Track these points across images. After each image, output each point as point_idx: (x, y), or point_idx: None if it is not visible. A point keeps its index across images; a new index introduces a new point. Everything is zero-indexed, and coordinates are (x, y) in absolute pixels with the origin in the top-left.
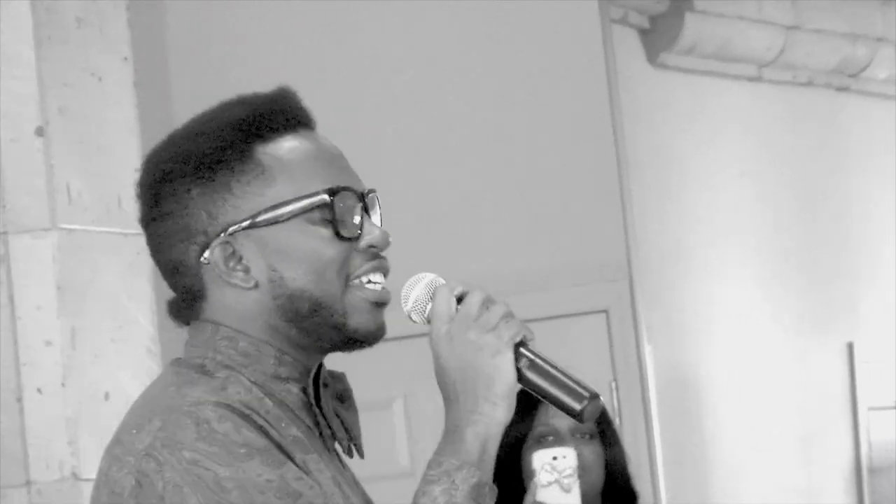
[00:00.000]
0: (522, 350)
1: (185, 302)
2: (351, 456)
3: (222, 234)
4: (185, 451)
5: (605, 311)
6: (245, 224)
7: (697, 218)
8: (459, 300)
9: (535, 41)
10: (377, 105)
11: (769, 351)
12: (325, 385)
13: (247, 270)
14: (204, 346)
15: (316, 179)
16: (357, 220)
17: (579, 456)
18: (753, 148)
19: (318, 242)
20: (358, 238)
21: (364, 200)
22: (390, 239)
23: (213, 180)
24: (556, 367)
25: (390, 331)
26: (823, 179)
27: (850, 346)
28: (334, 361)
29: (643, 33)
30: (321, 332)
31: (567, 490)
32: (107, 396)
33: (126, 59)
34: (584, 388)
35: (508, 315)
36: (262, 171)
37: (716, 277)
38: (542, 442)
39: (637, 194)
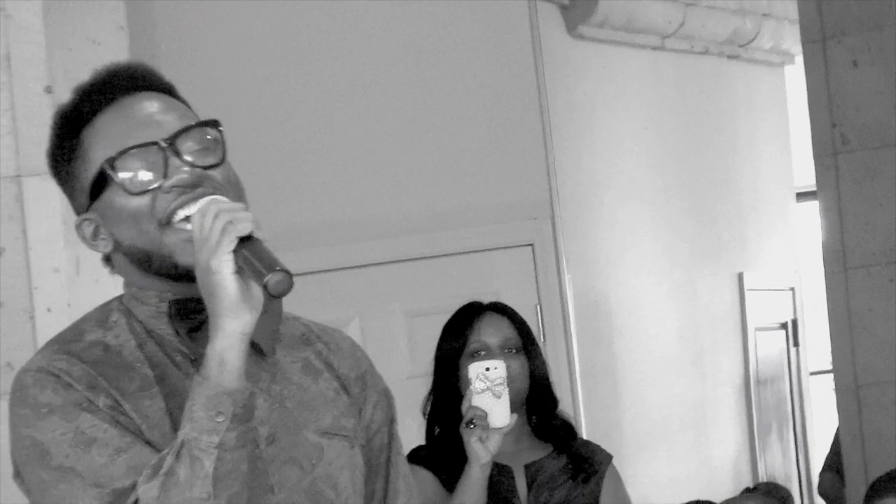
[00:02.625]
0: (240, 247)
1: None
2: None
3: (84, 216)
4: (11, 416)
5: (531, 245)
6: (86, 203)
7: (607, 165)
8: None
9: (474, 15)
10: (340, 69)
11: (669, 280)
12: (198, 311)
13: (104, 238)
14: (125, 290)
15: (109, 149)
16: (157, 167)
17: (507, 368)
18: (656, 106)
19: (124, 201)
20: (157, 187)
21: (172, 143)
22: (215, 161)
23: (64, 171)
24: (259, 254)
25: (345, 260)
26: (716, 133)
27: (740, 276)
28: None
29: (563, 8)
30: (166, 274)
31: (498, 396)
32: None
33: (121, 27)
34: (276, 264)
35: (228, 224)
36: (84, 153)
37: (624, 217)
38: (475, 356)
39: (557, 145)
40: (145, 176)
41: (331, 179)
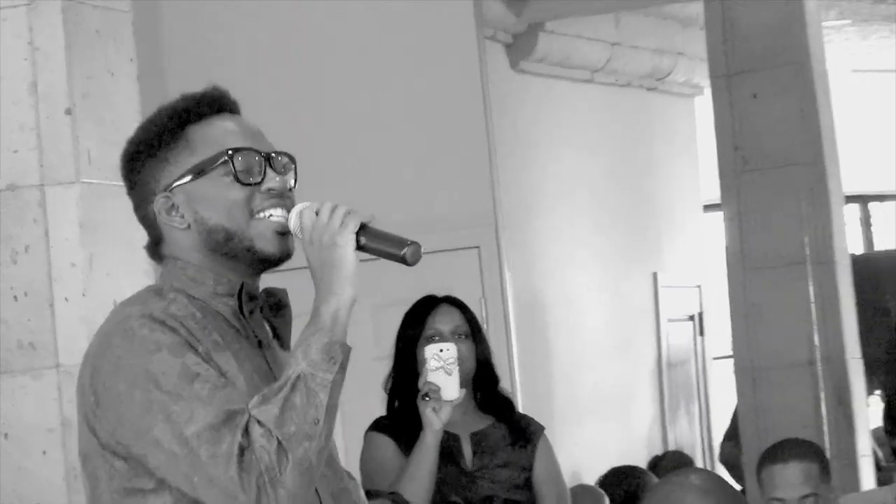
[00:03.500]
0: (364, 230)
1: (153, 246)
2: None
3: (165, 190)
4: (115, 349)
5: (477, 248)
6: (176, 183)
7: (545, 181)
8: (317, 213)
9: (431, 50)
10: (308, 91)
11: (596, 279)
12: (254, 298)
13: (181, 216)
14: (168, 275)
15: (225, 145)
16: (258, 170)
17: (458, 350)
18: (587, 131)
19: (225, 189)
20: (260, 184)
21: (269, 158)
22: (293, 185)
23: (156, 156)
24: (386, 234)
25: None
26: (637, 153)
27: (655, 276)
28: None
29: (507, 47)
30: (238, 255)
31: (449, 374)
32: (114, 303)
33: (132, 59)
34: (407, 241)
35: (349, 212)
36: (187, 145)
37: (558, 225)
38: (431, 340)
39: (501, 163)
40: (251, 174)
41: (313, 192)
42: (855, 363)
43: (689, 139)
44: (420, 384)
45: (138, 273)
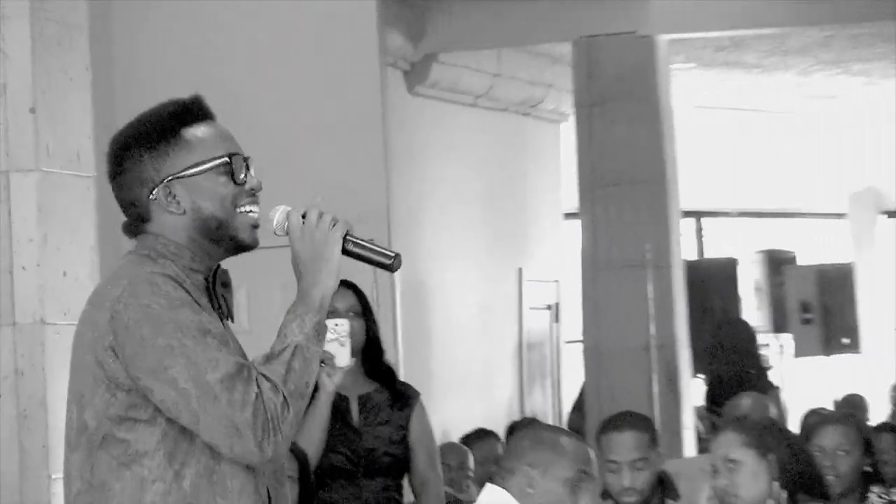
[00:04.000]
0: (347, 237)
1: (134, 224)
2: (232, 321)
3: (164, 181)
4: (142, 299)
5: (372, 239)
6: (178, 175)
7: (432, 189)
8: (303, 216)
9: (339, 76)
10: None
11: (470, 272)
12: (216, 277)
13: (178, 203)
14: (148, 247)
15: (219, 149)
16: (243, 173)
17: (350, 325)
18: (470, 147)
19: (220, 185)
20: (244, 183)
21: (246, 162)
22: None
23: (157, 149)
24: (369, 244)
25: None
26: (510, 167)
27: (520, 270)
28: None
29: (405, 73)
30: (223, 241)
31: (342, 345)
32: (64, 274)
33: (87, 68)
34: (390, 251)
35: (336, 220)
36: (185, 143)
37: (441, 224)
38: (328, 316)
39: (395, 173)
40: (242, 175)
41: None
42: (683, 351)
43: (555, 158)
44: None
45: (85, 249)
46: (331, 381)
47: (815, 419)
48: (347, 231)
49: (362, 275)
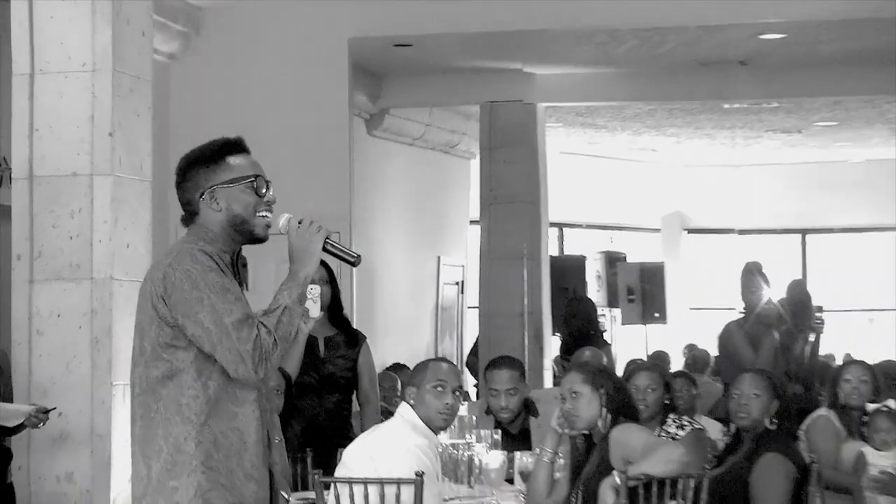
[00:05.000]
0: (327, 240)
1: (188, 217)
2: (246, 288)
3: (210, 188)
4: (185, 265)
5: (338, 233)
6: (220, 185)
7: (382, 201)
8: (300, 222)
9: (320, 120)
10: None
11: (405, 257)
12: (238, 257)
13: (217, 203)
14: (195, 233)
15: (249, 171)
16: (264, 189)
17: (321, 289)
18: (409, 174)
19: (247, 195)
20: (263, 196)
21: (267, 183)
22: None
23: (208, 167)
24: (341, 246)
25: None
26: (437, 188)
27: (439, 258)
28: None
29: (366, 121)
30: (245, 234)
31: (315, 302)
32: (127, 246)
33: (149, 107)
34: (354, 253)
35: (320, 227)
36: (227, 165)
37: (385, 225)
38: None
39: (357, 189)
40: (263, 190)
41: None
42: (546, 317)
43: (465, 183)
44: None
45: (142, 230)
46: (306, 326)
47: (632, 366)
48: (327, 236)
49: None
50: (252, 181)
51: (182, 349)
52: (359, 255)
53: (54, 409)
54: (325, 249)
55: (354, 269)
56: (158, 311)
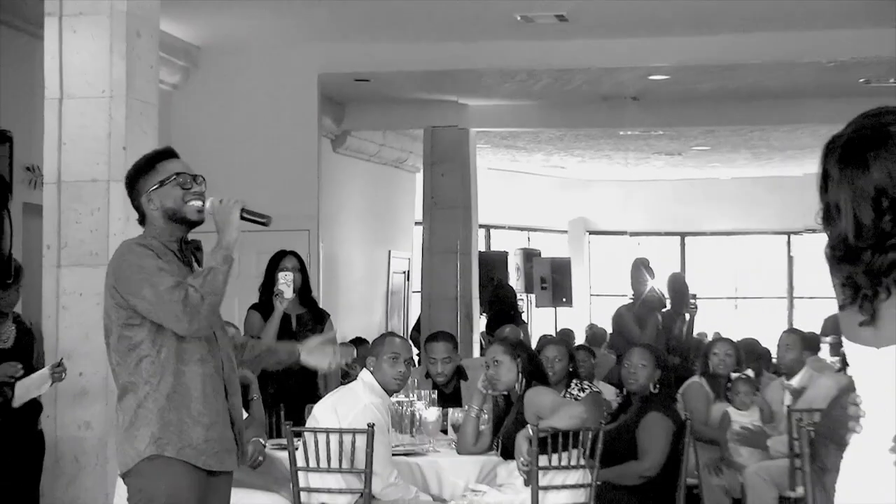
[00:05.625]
0: (243, 210)
1: (142, 218)
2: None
3: (146, 192)
4: (126, 257)
5: (308, 230)
6: (153, 189)
7: (345, 205)
8: (220, 201)
9: (293, 140)
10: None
11: (362, 251)
12: (187, 244)
13: (154, 204)
14: (146, 231)
15: (173, 170)
16: (189, 182)
17: (294, 276)
18: (366, 184)
19: (175, 190)
20: (190, 187)
21: (195, 177)
22: (205, 189)
23: (143, 176)
24: (254, 213)
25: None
26: (387, 197)
27: (390, 252)
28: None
29: (332, 141)
30: (181, 220)
31: (288, 286)
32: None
33: (155, 127)
34: (265, 216)
35: (237, 200)
36: (156, 170)
37: (346, 226)
38: (281, 269)
39: (323, 196)
40: (188, 183)
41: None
42: (475, 301)
43: (411, 192)
44: (275, 290)
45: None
46: (281, 306)
47: (544, 341)
48: (243, 206)
49: (303, 249)
50: (175, 178)
51: (137, 326)
52: (269, 217)
53: (62, 359)
54: (243, 217)
55: (322, 261)
56: (115, 298)
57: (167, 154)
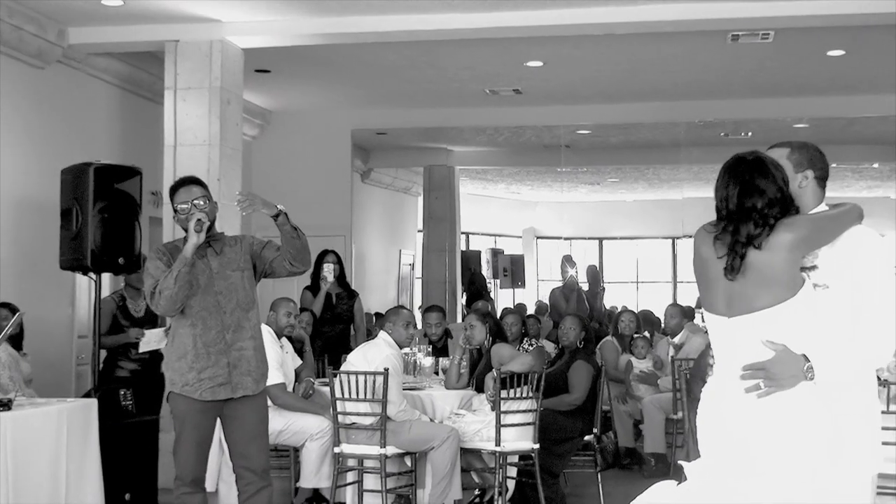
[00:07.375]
0: (198, 220)
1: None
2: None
3: (175, 213)
4: (150, 258)
5: (343, 236)
6: (175, 207)
7: (368, 221)
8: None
9: (332, 173)
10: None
11: (381, 251)
12: (208, 243)
13: (178, 220)
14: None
15: (177, 200)
16: (185, 212)
17: (334, 267)
18: (384, 206)
19: (180, 216)
20: (185, 217)
21: (192, 202)
22: (200, 210)
23: (171, 199)
24: (203, 224)
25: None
26: (398, 213)
27: (400, 251)
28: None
29: (361, 174)
30: (185, 229)
31: (330, 274)
32: None
33: (240, 166)
34: (212, 229)
35: (199, 219)
36: (174, 197)
37: (371, 236)
38: (326, 262)
39: (354, 216)
40: (185, 209)
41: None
42: (458, 284)
43: (415, 209)
44: (321, 276)
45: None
46: (325, 287)
47: (506, 311)
48: (199, 220)
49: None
50: (175, 214)
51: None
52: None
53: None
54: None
55: (353, 258)
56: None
57: (180, 183)
